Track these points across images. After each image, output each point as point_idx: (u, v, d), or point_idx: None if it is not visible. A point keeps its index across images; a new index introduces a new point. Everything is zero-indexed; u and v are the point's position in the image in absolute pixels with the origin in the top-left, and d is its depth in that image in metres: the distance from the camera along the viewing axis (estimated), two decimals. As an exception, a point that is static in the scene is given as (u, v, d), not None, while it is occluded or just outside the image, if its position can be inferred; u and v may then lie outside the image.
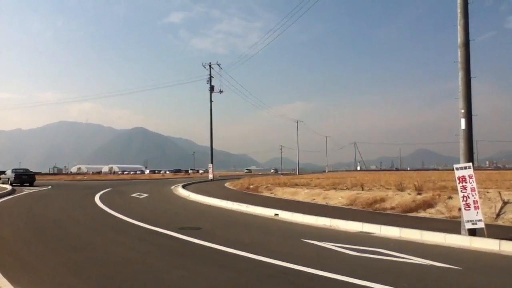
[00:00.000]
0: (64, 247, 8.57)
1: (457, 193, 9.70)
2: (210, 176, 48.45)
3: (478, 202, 9.11)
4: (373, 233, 10.49)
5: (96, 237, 9.89)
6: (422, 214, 13.28)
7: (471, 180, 9.25)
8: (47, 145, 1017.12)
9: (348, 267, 6.81)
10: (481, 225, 8.97)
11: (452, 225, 10.74)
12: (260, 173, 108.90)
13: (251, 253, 7.80)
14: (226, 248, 8.27)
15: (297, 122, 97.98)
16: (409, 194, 15.90)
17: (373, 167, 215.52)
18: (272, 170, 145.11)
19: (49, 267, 6.88)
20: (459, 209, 12.10)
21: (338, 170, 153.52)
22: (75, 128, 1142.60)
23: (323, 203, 17.44)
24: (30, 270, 6.69)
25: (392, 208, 14.39)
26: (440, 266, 6.95)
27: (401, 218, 12.63)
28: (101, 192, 25.08)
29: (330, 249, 8.39)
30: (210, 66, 49.50)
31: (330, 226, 11.75)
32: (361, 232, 10.76)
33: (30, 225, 11.75)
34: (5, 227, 11.37)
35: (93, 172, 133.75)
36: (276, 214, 14.02)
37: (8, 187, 28.79)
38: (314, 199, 18.62)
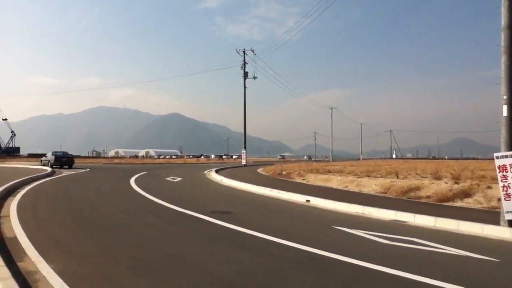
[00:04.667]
0: (98, 228, 8.77)
1: (497, 183, 9.30)
2: (243, 162, 48.67)
3: (520, 192, 8.71)
4: (407, 222, 10.23)
5: (129, 219, 10.08)
6: (459, 203, 12.85)
7: (512, 169, 8.83)
8: (86, 129, 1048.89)
9: (380, 256, 6.66)
10: (522, 216, 8.59)
11: (491, 216, 10.32)
12: (293, 160, 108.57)
13: (282, 238, 7.76)
14: (257, 233, 8.26)
15: (332, 109, 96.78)
16: (445, 183, 15.41)
17: (409, 155, 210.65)
18: (305, 157, 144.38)
19: (82, 247, 7.06)
20: (499, 199, 11.62)
21: (373, 158, 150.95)
22: (113, 113, 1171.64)
23: (356, 190, 17.17)
24: (64, 250, 6.88)
25: (428, 197, 13.99)
26: (477, 258, 6.68)
27: (436, 207, 12.26)
28: (137, 175, 25.64)
29: (362, 236, 8.23)
30: (244, 52, 49.40)
31: (362, 213, 11.55)
32: (394, 220, 10.51)
33: (66, 206, 12.11)
34: (42, 208, 11.76)
35: (130, 156, 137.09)
36: (308, 201, 13.91)
37: (48, 169, 29.86)
38: (347, 186, 18.36)
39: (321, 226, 9.73)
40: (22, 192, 15.17)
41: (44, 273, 5.53)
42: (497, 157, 9.12)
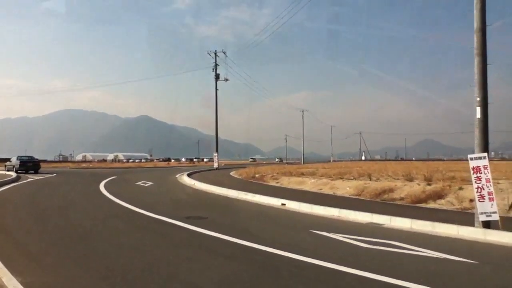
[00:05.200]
0: (68, 237, 8.41)
1: (468, 184, 9.44)
2: (215, 165, 48.27)
3: (493, 194, 8.83)
4: (383, 224, 10.24)
5: (100, 226, 9.72)
6: (432, 205, 13.02)
7: (486, 171, 8.95)
8: (52, 132, 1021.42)
9: (361, 260, 6.58)
10: (495, 217, 8.70)
11: (464, 217, 10.46)
12: (264, 162, 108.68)
13: (260, 244, 7.58)
14: (233, 239, 8.06)
15: (303, 112, 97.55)
16: (418, 184, 15.61)
17: (377, 157, 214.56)
18: (276, 160, 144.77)
19: (52, 257, 6.72)
20: (471, 200, 11.84)
21: (343, 160, 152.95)
22: (80, 116, 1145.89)
23: (330, 193, 17.20)
24: (32, 260, 6.52)
25: (402, 199, 14.13)
26: (456, 260, 6.70)
27: (411, 209, 12.38)
28: (106, 180, 24.95)
29: (341, 241, 8.15)
30: (215, 54, 49.09)
31: (338, 216, 11.51)
32: (371, 223, 10.50)
33: (33, 213, 11.60)
34: (8, 215, 11.25)
35: (98, 160, 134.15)
36: (283, 204, 13.79)
37: (13, 174, 28.73)
38: (321, 189, 18.37)
39: (298, 230, 9.63)
40: (-15, 199, 14.46)
41: (10, 287, 5.17)
42: (471, 159, 9.23)
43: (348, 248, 7.68)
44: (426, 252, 7.17)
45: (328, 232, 9.06)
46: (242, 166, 56.22)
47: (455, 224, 9.27)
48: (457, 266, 6.46)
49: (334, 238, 8.46)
